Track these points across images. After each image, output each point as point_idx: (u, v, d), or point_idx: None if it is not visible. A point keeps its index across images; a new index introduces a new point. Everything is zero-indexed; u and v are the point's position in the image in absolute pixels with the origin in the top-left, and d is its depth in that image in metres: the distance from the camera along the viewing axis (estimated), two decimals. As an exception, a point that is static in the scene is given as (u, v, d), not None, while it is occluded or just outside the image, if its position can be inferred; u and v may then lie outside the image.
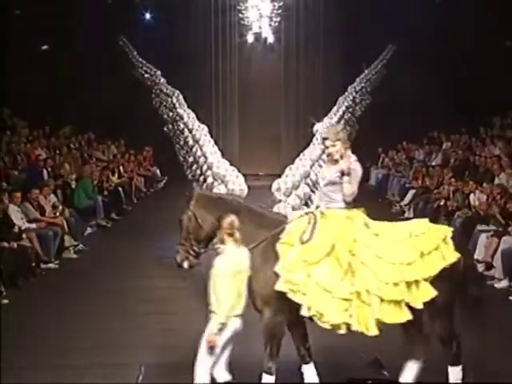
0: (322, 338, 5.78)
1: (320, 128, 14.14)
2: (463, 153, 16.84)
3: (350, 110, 18.98)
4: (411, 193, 16.26)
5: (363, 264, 5.76)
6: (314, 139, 13.87)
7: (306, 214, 6.12)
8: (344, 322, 5.74)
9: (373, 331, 5.70)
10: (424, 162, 18.14)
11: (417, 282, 5.75)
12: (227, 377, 5.69)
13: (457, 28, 18.35)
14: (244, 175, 10.39)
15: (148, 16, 20.73)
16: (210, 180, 10.83)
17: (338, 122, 17.02)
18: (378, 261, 5.78)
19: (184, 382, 6.58)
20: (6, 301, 9.46)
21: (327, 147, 6.20)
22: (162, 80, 20.02)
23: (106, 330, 7.91)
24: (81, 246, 12.71)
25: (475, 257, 11.28)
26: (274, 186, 10.14)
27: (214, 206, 6.05)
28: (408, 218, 14.67)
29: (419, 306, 5.74)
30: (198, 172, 12.61)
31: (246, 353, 6.32)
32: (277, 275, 5.82)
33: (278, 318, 5.93)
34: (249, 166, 15.44)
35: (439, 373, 6.06)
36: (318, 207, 6.16)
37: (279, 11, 18.66)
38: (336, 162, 6.12)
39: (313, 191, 11.63)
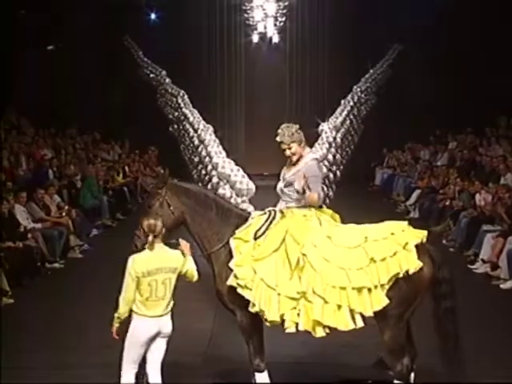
0: (329, 337, 5.76)
1: (325, 128, 14.13)
2: (469, 153, 16.80)
3: (355, 109, 18.94)
4: (416, 193, 16.25)
5: (310, 265, 5.66)
6: (319, 139, 13.86)
7: (268, 212, 6.06)
8: (292, 321, 5.65)
9: (319, 333, 5.62)
10: (429, 161, 18.12)
11: (369, 289, 5.57)
12: (157, 380, 5.66)
13: (462, 27, 18.30)
14: (249, 175, 10.37)
15: (153, 16, 20.74)
16: (215, 180, 10.81)
17: (343, 121, 17.00)
18: (325, 263, 5.65)
19: (189, 381, 6.60)
20: (11, 300, 9.48)
21: (283, 150, 6.07)
22: (167, 80, 20.01)
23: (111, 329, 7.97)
24: (86, 245, 12.74)
25: (480, 257, 11.29)
26: (279, 185, 10.12)
27: (185, 195, 6.02)
28: (413, 218, 14.79)
29: (369, 313, 5.59)
30: (203, 172, 12.59)
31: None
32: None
33: (252, 317, 5.87)
34: (254, 166, 15.44)
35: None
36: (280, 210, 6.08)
37: (284, 11, 18.64)
38: (296, 162, 6.04)
39: (318, 191, 11.60)
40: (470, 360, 5.96)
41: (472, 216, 12.61)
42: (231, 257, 5.90)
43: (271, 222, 5.93)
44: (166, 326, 5.62)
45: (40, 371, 7.07)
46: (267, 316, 5.67)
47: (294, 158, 6.05)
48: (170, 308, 5.63)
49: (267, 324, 5.76)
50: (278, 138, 6.07)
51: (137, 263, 5.50)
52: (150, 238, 5.53)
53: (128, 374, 5.64)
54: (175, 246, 5.72)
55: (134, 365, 5.64)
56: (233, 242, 5.92)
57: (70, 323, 8.48)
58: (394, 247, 5.66)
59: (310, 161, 6.04)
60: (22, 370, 7.10)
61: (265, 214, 6.06)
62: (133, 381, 5.65)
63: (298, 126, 6.13)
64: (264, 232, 5.88)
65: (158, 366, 5.68)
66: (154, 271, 5.51)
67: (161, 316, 5.57)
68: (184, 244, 5.74)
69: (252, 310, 5.75)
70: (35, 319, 8.82)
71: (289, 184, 6.05)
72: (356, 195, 16.43)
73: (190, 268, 5.68)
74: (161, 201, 5.97)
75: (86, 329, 8.13)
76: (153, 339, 5.61)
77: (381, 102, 20.48)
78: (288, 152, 6.05)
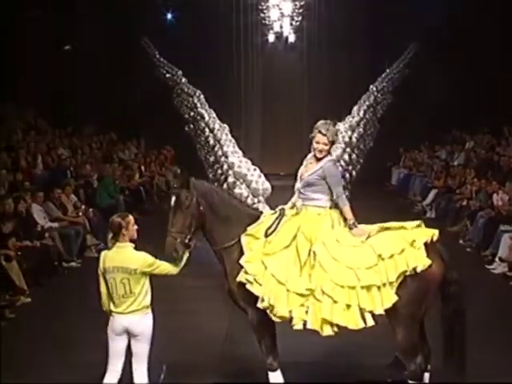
0: (344, 338, 5.75)
1: (341, 127, 14.10)
2: (486, 152, 16.70)
3: (372, 109, 18.88)
4: (433, 193, 16.17)
5: (320, 264, 5.66)
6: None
7: (279, 210, 6.06)
8: (299, 318, 5.65)
9: (326, 331, 5.61)
10: (446, 161, 18.03)
11: (378, 287, 5.57)
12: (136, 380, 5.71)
13: (480, 27, 18.20)
14: (265, 175, 10.37)
15: (169, 16, 20.79)
16: (231, 180, 10.80)
17: (360, 121, 16.95)
18: (334, 263, 5.65)
19: (206, 380, 6.61)
20: (28, 299, 9.53)
21: (316, 143, 5.96)
22: (183, 80, 20.05)
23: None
24: (102, 244, 12.76)
25: (498, 257, 11.21)
26: (296, 185, 10.10)
27: (204, 194, 5.96)
28: (430, 219, 14.72)
29: (379, 311, 5.58)
30: (219, 172, 12.59)
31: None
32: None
33: (263, 314, 5.86)
34: (270, 166, 15.42)
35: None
36: (293, 205, 6.09)
37: (301, 10, 18.62)
38: (318, 160, 6.00)
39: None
40: (487, 360, 5.93)
41: (489, 216, 12.52)
42: (243, 255, 5.91)
43: (281, 220, 5.94)
44: (136, 325, 5.64)
45: (58, 369, 7.10)
46: (276, 311, 5.67)
47: (319, 155, 5.99)
48: (139, 307, 5.63)
49: (276, 319, 5.75)
50: (322, 130, 5.94)
51: (100, 259, 5.70)
52: (110, 235, 5.65)
53: (108, 373, 5.75)
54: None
55: (112, 362, 5.72)
56: (244, 239, 5.94)
57: (86, 321, 8.51)
58: (401, 244, 5.66)
59: (328, 162, 6.01)
60: (39, 369, 7.14)
61: (275, 212, 6.08)
62: (112, 381, 5.70)
63: (335, 129, 6.06)
64: (275, 229, 5.88)
65: (135, 367, 5.71)
66: (111, 269, 5.62)
67: (126, 314, 5.62)
68: None
69: (260, 305, 5.75)
70: (53, 318, 8.86)
71: (306, 184, 6.02)
72: (372, 195, 16.37)
73: (160, 269, 5.70)
74: (193, 201, 5.87)
75: (103, 327, 8.15)
76: (124, 337, 5.67)
77: (397, 102, 20.40)
78: (320, 146, 5.96)
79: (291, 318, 5.68)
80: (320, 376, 6.66)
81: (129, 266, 5.59)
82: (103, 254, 5.75)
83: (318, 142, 5.98)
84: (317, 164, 6.01)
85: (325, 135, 5.94)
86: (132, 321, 5.64)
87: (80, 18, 19.01)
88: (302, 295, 5.64)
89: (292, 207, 6.11)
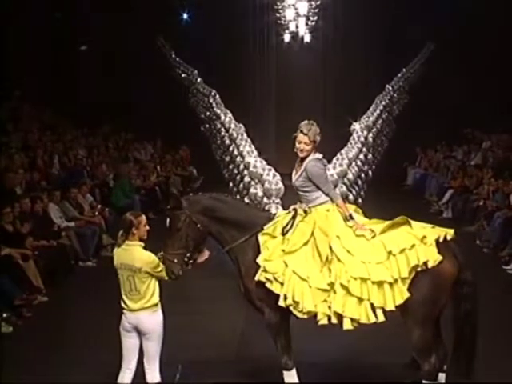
0: (363, 339, 5.73)
1: (357, 127, 14.08)
2: (503, 152, 16.59)
3: (388, 109, 18.82)
4: (449, 193, 16.08)
5: (336, 257, 5.69)
6: (351, 138, 13.79)
7: (293, 209, 6.09)
8: (323, 313, 5.67)
9: (346, 325, 5.62)
10: (463, 161, 17.93)
11: (390, 283, 5.58)
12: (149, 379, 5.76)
13: (495, 26, 18.10)
14: (281, 174, 10.37)
15: (185, 16, 20.83)
16: (246, 179, 10.82)
17: (376, 121, 16.91)
18: (348, 256, 5.69)
19: (221, 380, 6.61)
20: (45, 298, 9.58)
21: (300, 142, 6.04)
22: (199, 80, 20.09)
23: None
24: (118, 244, 12.80)
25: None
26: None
27: (204, 209, 5.98)
28: (446, 219, 14.64)
29: (391, 308, 5.59)
30: (235, 171, 12.61)
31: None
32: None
33: (279, 314, 5.88)
34: (286, 166, 15.42)
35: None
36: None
37: (316, 10, 18.55)
38: (302, 161, 6.05)
39: (350, 191, 11.57)
40: (506, 362, 5.89)
41: (506, 216, 12.43)
42: (258, 254, 5.91)
43: (294, 218, 5.97)
44: (144, 323, 5.70)
45: (73, 368, 7.13)
46: (303, 307, 5.67)
47: (301, 155, 6.06)
48: (146, 305, 5.69)
49: (301, 316, 5.75)
50: (304, 129, 6.04)
51: (113, 256, 5.84)
52: (120, 232, 5.77)
53: (122, 372, 5.81)
54: None
55: (125, 360, 5.78)
56: (261, 238, 5.95)
57: (102, 321, 8.53)
58: (411, 240, 5.66)
59: (309, 162, 6.02)
60: (56, 367, 7.18)
61: (290, 212, 6.11)
62: (125, 380, 5.77)
63: (318, 129, 6.08)
64: (291, 227, 5.90)
65: (146, 366, 5.76)
66: (119, 266, 5.76)
67: (134, 311, 5.70)
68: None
69: (283, 303, 5.74)
70: (69, 317, 8.90)
71: (298, 188, 6.09)
72: (388, 195, 16.29)
73: (162, 274, 5.75)
74: (187, 221, 5.89)
75: (119, 326, 8.17)
76: (135, 335, 5.74)
77: (413, 101, 20.32)
78: (302, 146, 6.03)
79: (315, 314, 5.70)
80: (335, 376, 6.64)
81: (134, 264, 5.68)
82: (115, 250, 5.91)
83: (299, 142, 6.06)
84: (301, 166, 6.07)
85: (306, 135, 6.01)
86: (140, 319, 5.72)
87: (96, 18, 19.09)
88: (324, 290, 5.67)
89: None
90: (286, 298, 5.73)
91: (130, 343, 5.78)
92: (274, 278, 5.76)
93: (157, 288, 5.75)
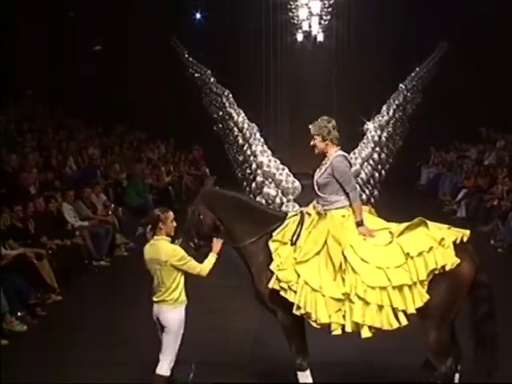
0: (374, 338, 5.70)
1: (371, 127, 14.02)
2: (517, 152, 16.51)
3: (401, 108, 18.73)
4: (463, 192, 16.01)
5: (351, 266, 5.64)
6: (365, 138, 13.74)
7: (300, 213, 6.07)
8: (337, 323, 5.64)
9: (365, 333, 5.59)
10: (477, 161, 17.84)
11: (409, 286, 5.54)
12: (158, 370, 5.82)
13: (510, 26, 17.99)
14: (294, 174, 10.34)
15: (198, 16, 20.85)
16: (259, 179, 10.79)
17: (389, 120, 16.84)
18: (363, 264, 5.63)
19: (235, 379, 6.61)
20: (59, 297, 9.61)
21: (313, 146, 6.10)
22: (212, 79, 20.07)
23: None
24: (132, 243, 12.84)
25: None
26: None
27: (217, 203, 6.10)
28: (460, 218, 14.57)
29: (411, 310, 5.56)
30: (248, 171, 12.59)
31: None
32: None
33: (292, 316, 5.85)
34: (299, 165, 15.39)
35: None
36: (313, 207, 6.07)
37: (329, 9, 18.51)
38: (325, 158, 6.06)
39: (363, 190, 11.53)
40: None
41: (521, 216, 12.38)
42: (270, 258, 5.89)
43: (301, 226, 5.92)
44: (163, 316, 5.80)
45: (87, 367, 7.14)
46: (316, 318, 5.65)
47: (315, 151, 6.08)
48: (167, 298, 5.78)
49: (315, 325, 5.74)
50: (312, 131, 6.10)
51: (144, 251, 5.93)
52: (148, 227, 5.89)
53: (160, 362, 5.82)
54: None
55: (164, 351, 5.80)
56: (271, 245, 5.93)
57: (116, 320, 8.56)
58: (429, 243, 5.62)
59: (334, 158, 6.00)
60: (70, 366, 7.19)
61: (296, 215, 6.08)
62: (163, 372, 5.79)
63: (332, 124, 6.07)
64: (299, 235, 5.87)
65: (160, 358, 5.81)
66: (148, 261, 5.85)
67: (158, 303, 5.83)
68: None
69: (297, 312, 5.73)
70: (83, 316, 8.92)
71: (320, 186, 6.03)
72: (401, 195, 16.25)
73: (189, 265, 5.81)
74: (193, 209, 6.09)
75: (132, 325, 8.20)
76: (160, 326, 5.83)
77: (427, 101, 20.23)
78: (311, 142, 6.08)
79: (329, 324, 5.68)
80: (349, 376, 6.62)
81: (160, 258, 5.78)
82: (145, 247, 5.95)
83: (312, 145, 6.12)
84: (326, 162, 6.03)
85: (314, 135, 6.07)
86: (160, 311, 5.83)
87: (110, 18, 19.14)
88: (338, 300, 5.63)
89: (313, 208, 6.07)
90: (299, 307, 5.72)
91: (160, 335, 5.88)
92: (288, 287, 5.75)
93: (181, 284, 5.84)
